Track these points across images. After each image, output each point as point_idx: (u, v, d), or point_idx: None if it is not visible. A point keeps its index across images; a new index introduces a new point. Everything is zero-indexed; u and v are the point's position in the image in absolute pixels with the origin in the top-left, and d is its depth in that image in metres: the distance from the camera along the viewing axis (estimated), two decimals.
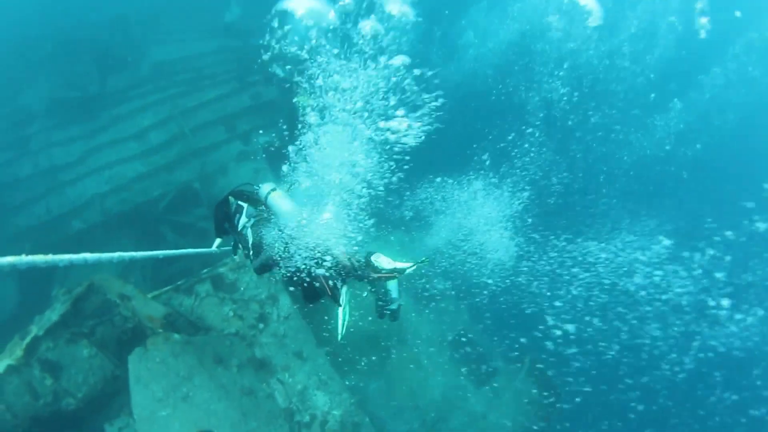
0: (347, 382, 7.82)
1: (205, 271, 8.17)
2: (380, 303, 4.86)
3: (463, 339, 9.84)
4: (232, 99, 13.41)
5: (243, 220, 5.35)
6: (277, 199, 4.84)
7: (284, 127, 12.79)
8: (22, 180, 12.48)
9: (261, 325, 7.73)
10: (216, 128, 12.77)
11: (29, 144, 13.23)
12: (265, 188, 4.98)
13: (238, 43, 14.29)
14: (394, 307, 4.80)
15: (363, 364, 8.83)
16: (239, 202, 5.43)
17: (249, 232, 5.20)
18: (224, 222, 5.60)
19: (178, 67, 14.77)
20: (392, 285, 4.75)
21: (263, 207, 5.08)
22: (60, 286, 10.90)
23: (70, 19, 16.58)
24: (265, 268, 4.93)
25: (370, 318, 7.91)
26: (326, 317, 8.39)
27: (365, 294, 6.70)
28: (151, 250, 10.99)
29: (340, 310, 4.86)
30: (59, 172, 12.49)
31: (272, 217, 4.93)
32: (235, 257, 7.57)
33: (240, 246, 5.47)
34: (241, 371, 6.92)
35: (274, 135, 12.56)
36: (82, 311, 6.95)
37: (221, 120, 12.91)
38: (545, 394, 9.48)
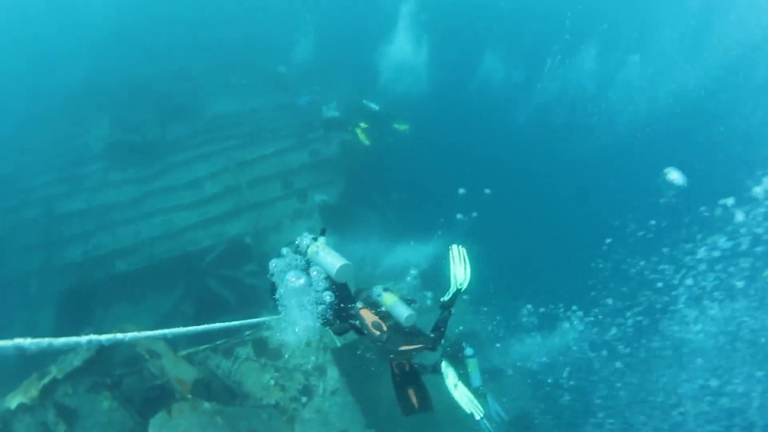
0: None
1: (248, 333, 7.68)
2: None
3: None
4: (291, 154, 13.32)
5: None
6: (322, 254, 4.69)
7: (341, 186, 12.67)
8: (74, 215, 12.45)
9: (304, 399, 7.10)
10: (272, 183, 12.61)
11: (85, 181, 13.28)
12: (303, 245, 4.90)
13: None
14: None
15: None
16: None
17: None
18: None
19: (237, 119, 14.89)
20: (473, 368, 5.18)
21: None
22: (92, 328, 10.76)
23: (137, 66, 17.11)
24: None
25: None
26: (378, 393, 7.77)
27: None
28: (194, 302, 10.62)
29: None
30: (111, 212, 12.43)
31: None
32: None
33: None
34: None
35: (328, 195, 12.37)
36: (107, 360, 6.46)
37: (278, 175, 12.74)
38: None
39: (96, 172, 13.53)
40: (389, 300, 4.53)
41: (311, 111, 14.31)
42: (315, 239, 4.96)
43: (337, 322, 4.81)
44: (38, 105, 16.21)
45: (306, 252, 4.85)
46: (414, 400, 4.60)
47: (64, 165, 13.79)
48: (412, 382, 4.70)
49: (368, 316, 4.46)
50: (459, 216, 12.60)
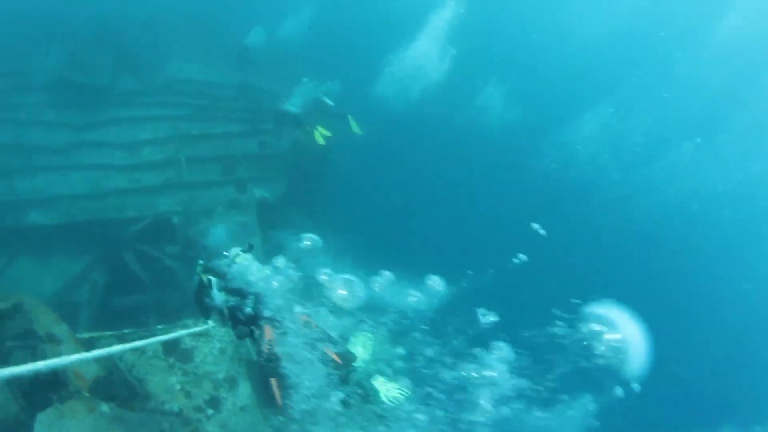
0: None
1: (159, 326, 7.41)
2: None
3: None
4: (239, 140, 12.96)
5: (216, 294, 6.07)
6: (245, 262, 5.83)
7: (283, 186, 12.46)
8: None
9: (210, 411, 6.84)
10: (213, 166, 12.25)
11: (17, 112, 12.47)
12: (232, 253, 6.05)
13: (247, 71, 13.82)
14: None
15: None
16: (208, 277, 6.18)
17: (223, 304, 5.93)
18: (203, 299, 6.26)
19: (193, 88, 14.33)
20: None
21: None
22: None
23: (101, 3, 16.06)
24: (244, 333, 5.56)
25: None
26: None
27: None
28: (106, 272, 10.23)
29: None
30: (37, 154, 11.74)
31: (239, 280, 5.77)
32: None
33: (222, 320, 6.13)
34: None
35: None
36: None
37: (221, 159, 12.39)
38: None
39: (30, 105, 12.69)
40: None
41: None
42: (243, 251, 6.06)
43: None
44: None
45: (232, 260, 5.99)
46: (277, 393, 4.98)
47: None
48: (273, 370, 5.06)
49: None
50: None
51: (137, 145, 12.30)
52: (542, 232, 13.57)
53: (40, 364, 2.44)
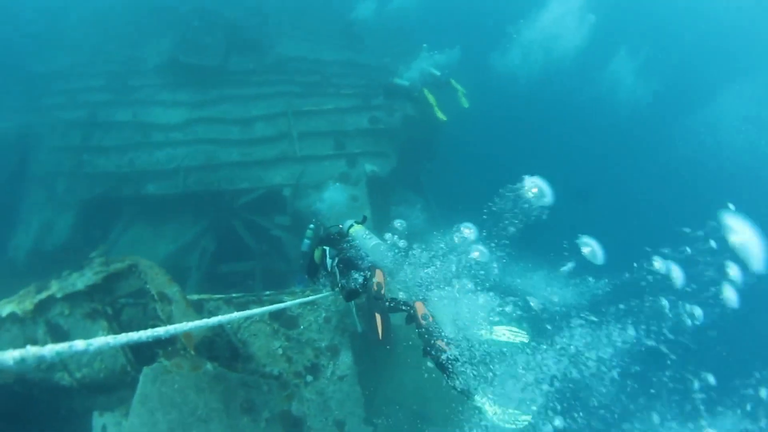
0: None
1: (267, 293, 7.05)
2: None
3: None
4: (350, 116, 12.51)
5: (329, 261, 6.12)
6: (360, 232, 5.97)
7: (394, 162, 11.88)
8: (116, 125, 11.98)
9: (309, 378, 6.39)
10: (325, 141, 11.86)
11: (134, 94, 12.79)
12: (346, 224, 6.26)
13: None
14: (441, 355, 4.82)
15: None
16: (322, 247, 6.34)
17: (336, 270, 5.93)
18: (317, 271, 6.43)
19: (303, 65, 14.13)
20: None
21: (344, 245, 6.06)
22: (104, 242, 10.29)
23: None
24: (353, 293, 5.58)
25: None
26: (387, 389, 7.12)
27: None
28: (216, 240, 10.06)
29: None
30: (154, 130, 11.91)
31: (354, 249, 5.88)
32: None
33: (333, 285, 6.15)
34: (268, 427, 5.55)
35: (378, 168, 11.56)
36: (113, 291, 5.78)
37: (333, 134, 11.99)
38: None
39: (148, 86, 13.03)
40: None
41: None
42: (358, 222, 6.23)
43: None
44: (102, 4, 15.59)
45: (348, 232, 6.13)
46: (379, 327, 4.94)
47: (116, 73, 13.29)
48: (379, 308, 5.10)
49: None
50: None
51: (250, 121, 12.17)
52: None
53: (160, 330, 2.46)
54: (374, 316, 4.99)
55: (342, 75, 14.00)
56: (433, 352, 4.78)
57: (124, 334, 2.19)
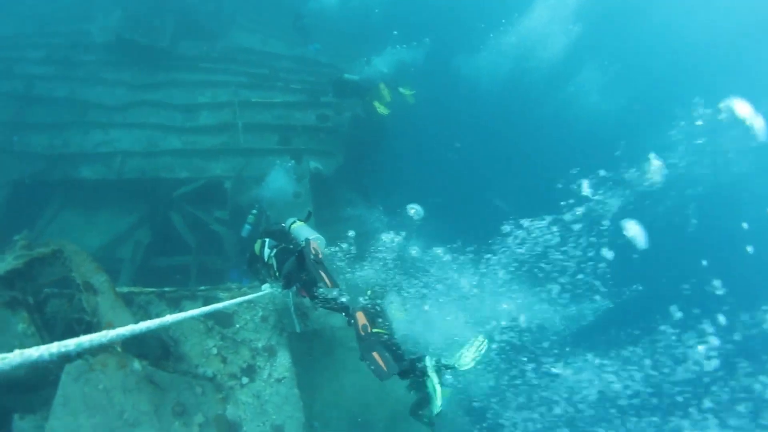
0: None
1: (202, 288, 6.86)
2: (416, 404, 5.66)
3: None
4: (298, 111, 12.41)
5: (266, 251, 6.13)
6: (300, 227, 6.08)
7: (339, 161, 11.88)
8: (52, 101, 11.46)
9: (245, 379, 6.28)
10: (270, 135, 11.72)
11: (75, 70, 12.27)
12: (288, 221, 6.32)
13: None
14: (433, 411, 5.04)
15: None
16: (262, 239, 6.33)
17: (273, 260, 5.96)
18: (256, 263, 6.38)
19: (253, 57, 13.94)
20: (431, 384, 5.05)
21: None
22: (31, 229, 9.84)
23: None
24: (290, 281, 5.61)
25: None
26: (326, 392, 7.13)
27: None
28: (152, 231, 9.86)
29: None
30: (92, 110, 11.46)
31: (293, 243, 6.02)
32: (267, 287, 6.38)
33: (270, 275, 6.13)
34: None
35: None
36: (35, 277, 5.39)
37: (279, 129, 11.85)
38: None
39: (90, 63, 12.53)
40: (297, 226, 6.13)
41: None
42: (300, 220, 6.31)
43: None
44: None
45: (289, 227, 6.20)
46: (381, 363, 4.90)
47: (60, 46, 12.73)
48: (373, 345, 5.05)
49: (361, 319, 5.22)
50: None
51: (195, 108, 11.90)
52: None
53: (92, 337, 2.19)
54: (372, 356, 5.00)
55: (292, 70, 13.87)
56: (368, 364, 4.94)
57: (55, 344, 2.00)
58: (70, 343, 2.01)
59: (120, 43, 12.50)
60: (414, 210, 7.81)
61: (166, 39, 13.06)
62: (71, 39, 13.01)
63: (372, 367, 4.93)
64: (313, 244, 5.40)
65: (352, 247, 6.68)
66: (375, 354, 4.98)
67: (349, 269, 6.73)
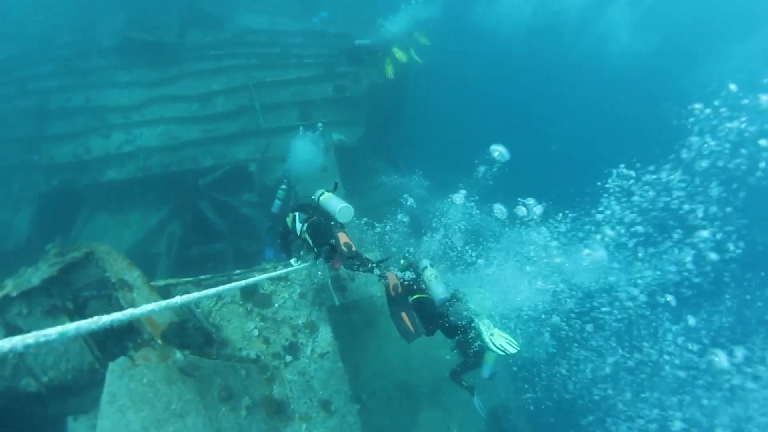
0: None
1: (237, 271, 6.65)
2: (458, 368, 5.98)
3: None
4: (314, 85, 12.07)
5: (298, 226, 5.92)
6: (328, 198, 5.81)
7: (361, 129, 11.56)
8: (70, 111, 11.45)
9: (289, 358, 6.08)
10: (290, 112, 11.45)
11: (88, 77, 12.21)
12: (317, 193, 6.02)
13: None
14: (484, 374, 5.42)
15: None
16: (293, 213, 6.10)
17: (306, 234, 5.76)
18: (287, 238, 6.34)
19: (263, 37, 13.64)
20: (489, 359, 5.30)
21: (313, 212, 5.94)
22: (66, 237, 9.88)
23: None
24: (330, 254, 5.48)
25: None
26: (370, 362, 6.87)
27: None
28: (184, 224, 9.71)
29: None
30: (110, 114, 11.40)
31: (323, 215, 5.80)
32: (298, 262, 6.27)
33: (304, 248, 6.06)
34: (250, 415, 5.22)
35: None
36: (71, 283, 5.36)
37: (297, 105, 11.58)
38: None
39: (101, 68, 12.43)
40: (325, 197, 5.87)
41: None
42: (328, 191, 6.02)
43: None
44: None
45: (318, 199, 5.93)
46: (408, 324, 5.10)
47: (68, 57, 12.67)
48: (403, 306, 5.29)
49: (343, 238, 5.33)
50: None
51: (210, 96, 11.71)
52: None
53: (116, 316, 2.29)
54: (401, 316, 5.18)
55: (303, 45, 13.52)
56: (397, 324, 5.19)
57: (74, 324, 2.08)
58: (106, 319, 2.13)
59: (128, 43, 12.38)
60: (498, 152, 7.25)
61: (174, 33, 12.88)
62: (80, 48, 12.93)
63: (400, 328, 5.13)
64: (343, 239, 5.35)
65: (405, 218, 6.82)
66: (404, 314, 5.17)
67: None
